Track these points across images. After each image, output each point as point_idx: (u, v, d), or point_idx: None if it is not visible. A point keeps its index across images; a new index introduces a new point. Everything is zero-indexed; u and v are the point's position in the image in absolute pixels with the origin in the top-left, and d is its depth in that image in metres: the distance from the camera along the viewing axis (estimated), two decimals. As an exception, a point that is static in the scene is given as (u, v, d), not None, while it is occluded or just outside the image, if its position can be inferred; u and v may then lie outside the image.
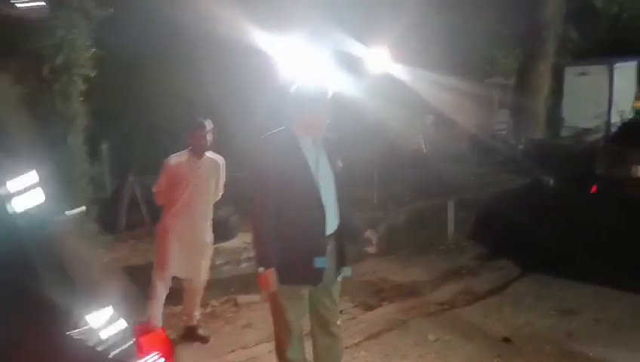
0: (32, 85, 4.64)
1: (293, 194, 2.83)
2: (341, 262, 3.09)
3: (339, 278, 3.13)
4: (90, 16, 4.59)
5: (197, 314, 4.32)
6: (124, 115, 6.27)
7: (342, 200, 3.09)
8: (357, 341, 4.30)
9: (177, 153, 4.04)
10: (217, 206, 4.30)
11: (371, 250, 3.16)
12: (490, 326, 4.55)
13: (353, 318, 4.80)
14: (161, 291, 4.12)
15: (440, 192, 7.71)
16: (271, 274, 2.82)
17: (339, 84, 6.58)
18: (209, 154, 4.09)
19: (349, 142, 7.42)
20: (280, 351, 3.08)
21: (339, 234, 3.05)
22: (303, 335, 3.09)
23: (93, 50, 4.71)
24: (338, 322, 3.19)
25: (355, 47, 7.04)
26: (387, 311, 5.00)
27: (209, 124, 3.99)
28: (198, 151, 4.00)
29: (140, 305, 4.69)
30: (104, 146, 6.33)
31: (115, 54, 5.94)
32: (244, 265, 5.55)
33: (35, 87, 4.57)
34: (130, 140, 6.36)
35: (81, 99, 4.71)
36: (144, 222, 5.63)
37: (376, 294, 5.49)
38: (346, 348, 3.84)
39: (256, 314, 4.72)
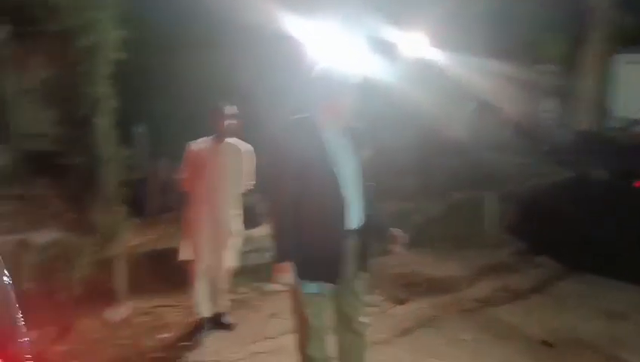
0: (59, 66, 4.62)
1: (312, 186, 2.66)
2: (365, 259, 2.90)
3: (363, 276, 2.95)
4: (118, -3, 4.51)
5: (223, 301, 4.24)
6: (160, 98, 6.20)
7: (369, 195, 2.89)
8: (385, 336, 4.13)
9: (200, 139, 3.94)
10: (246, 194, 4.18)
11: (397, 249, 2.94)
12: (528, 327, 4.28)
13: (382, 312, 4.63)
14: (199, 282, 4.06)
15: (479, 183, 7.38)
16: (286, 268, 2.68)
17: (373, 69, 6.44)
18: (232, 140, 3.95)
19: (384, 129, 7.22)
20: (301, 346, 2.93)
21: (364, 229, 2.85)
22: (326, 331, 2.91)
23: (122, 31, 4.62)
24: (362, 318, 3.00)
25: (390, 32, 6.75)
26: (419, 306, 4.79)
27: (231, 110, 3.87)
28: (218, 137, 3.89)
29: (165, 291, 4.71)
30: (138, 129, 6.32)
31: (150, 37, 5.89)
32: (270, 253, 5.43)
33: (62, 69, 4.54)
34: (166, 124, 6.31)
35: (107, 81, 4.64)
36: (174, 207, 5.58)
37: (407, 288, 5.29)
38: (374, 343, 3.68)
39: (283, 303, 4.55)
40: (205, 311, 4.16)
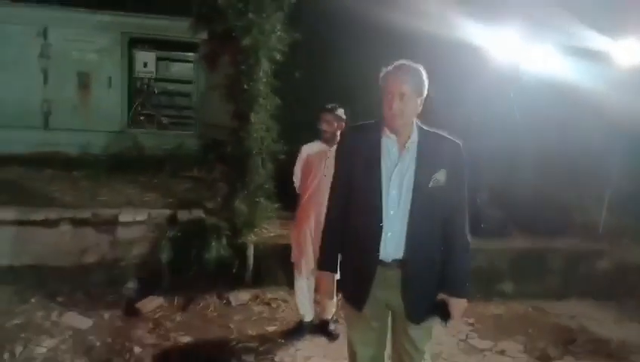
0: (228, 65, 5.08)
1: (355, 199, 2.39)
2: (411, 303, 2.41)
3: (425, 324, 2.48)
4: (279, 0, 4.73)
5: (330, 309, 4.12)
6: (315, 98, 6.38)
7: (448, 234, 2.42)
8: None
9: (313, 142, 3.90)
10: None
11: (443, 318, 2.44)
12: None
13: (514, 366, 3.92)
14: (301, 284, 4.04)
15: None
16: (327, 279, 2.53)
17: (570, 78, 5.52)
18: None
19: (584, 147, 6.11)
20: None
21: (410, 265, 2.36)
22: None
23: (281, 34, 4.85)
24: None
25: (595, 39, 5.67)
26: (567, 371, 3.93)
27: (341, 112, 3.74)
28: (329, 140, 3.78)
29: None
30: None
31: (311, 40, 6.11)
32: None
33: (232, 67, 4.97)
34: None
35: (264, 80, 4.91)
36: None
37: (562, 344, 4.41)
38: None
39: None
40: (307, 314, 4.09)
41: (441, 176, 2.31)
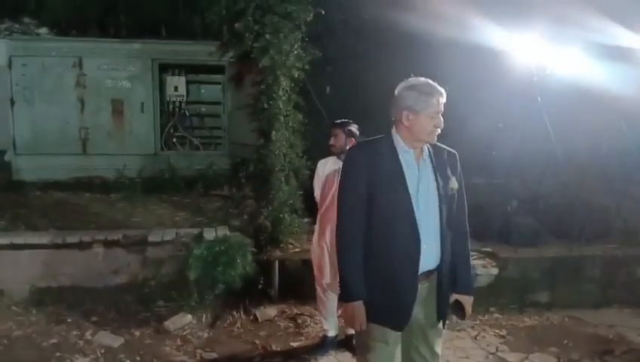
0: (249, 84, 5.21)
1: (384, 219, 2.32)
2: (442, 307, 2.47)
3: (440, 326, 2.51)
4: (295, 19, 4.83)
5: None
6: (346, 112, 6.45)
7: (459, 235, 2.48)
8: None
9: (328, 157, 3.95)
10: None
11: (459, 316, 2.46)
12: None
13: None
14: (322, 298, 4.07)
15: None
16: (358, 309, 2.34)
17: (596, 78, 5.35)
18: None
19: (619, 150, 5.88)
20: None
21: (442, 272, 2.43)
22: None
23: (298, 52, 4.95)
24: None
25: (624, 37, 5.47)
26: (603, 382, 3.77)
27: (355, 128, 3.77)
28: (338, 155, 3.81)
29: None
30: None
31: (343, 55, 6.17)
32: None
33: (253, 87, 5.11)
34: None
35: (284, 98, 5.01)
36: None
37: (599, 354, 4.23)
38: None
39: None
40: (331, 329, 4.10)
41: (454, 184, 2.42)
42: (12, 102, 7.06)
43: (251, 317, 4.63)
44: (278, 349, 4.15)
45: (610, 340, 4.48)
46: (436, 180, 2.37)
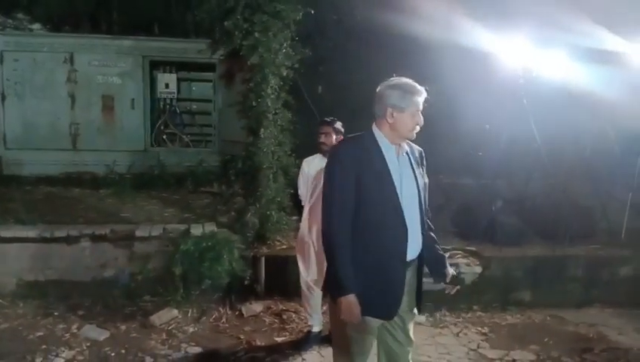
0: (238, 82, 5.26)
1: (371, 212, 2.38)
2: (419, 293, 2.58)
3: (415, 311, 2.62)
4: (284, 18, 4.87)
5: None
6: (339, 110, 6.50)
7: (425, 224, 2.58)
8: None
9: (313, 155, 3.99)
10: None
11: (450, 289, 2.57)
12: None
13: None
14: (307, 294, 4.15)
15: None
16: (353, 302, 2.38)
17: (582, 80, 5.43)
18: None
19: (603, 151, 5.96)
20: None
21: (421, 261, 2.56)
22: None
23: (287, 50, 5.00)
24: (410, 360, 2.64)
25: (610, 41, 5.55)
26: (581, 380, 3.85)
27: (333, 126, 3.83)
28: (326, 153, 3.85)
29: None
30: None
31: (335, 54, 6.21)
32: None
33: (242, 85, 5.15)
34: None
35: (272, 96, 5.06)
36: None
37: (579, 352, 4.32)
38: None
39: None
40: (316, 324, 4.16)
41: (425, 177, 2.57)
42: (3, 97, 7.07)
43: (237, 313, 4.67)
44: (263, 344, 4.20)
45: (590, 338, 4.56)
46: (414, 174, 2.48)
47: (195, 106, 7.80)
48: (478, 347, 4.32)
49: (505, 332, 4.64)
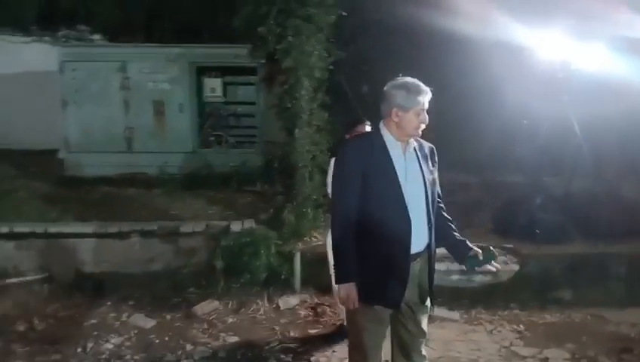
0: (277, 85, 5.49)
1: (376, 206, 2.53)
2: (431, 286, 2.70)
3: (428, 304, 2.73)
4: (317, 22, 5.04)
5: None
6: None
7: (441, 216, 2.72)
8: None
9: None
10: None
11: (492, 267, 2.65)
12: None
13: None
14: (336, 289, 4.26)
15: None
16: (351, 290, 2.55)
17: (627, 75, 5.28)
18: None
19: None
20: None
21: (430, 254, 2.66)
22: (381, 352, 2.74)
23: (320, 53, 5.17)
24: (423, 352, 2.74)
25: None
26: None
27: (368, 124, 3.93)
28: None
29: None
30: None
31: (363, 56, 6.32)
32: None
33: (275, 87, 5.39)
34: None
35: (306, 97, 5.24)
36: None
37: (616, 352, 4.24)
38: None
39: (434, 331, 4.30)
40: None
41: (435, 172, 2.68)
42: (64, 104, 7.64)
43: (274, 306, 4.89)
44: (296, 336, 4.39)
45: (631, 339, 4.44)
46: (421, 170, 2.58)
47: (240, 109, 8.10)
48: (510, 344, 4.31)
49: (541, 330, 4.59)
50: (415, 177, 2.56)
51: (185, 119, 7.72)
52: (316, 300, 4.99)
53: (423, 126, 2.55)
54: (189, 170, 7.51)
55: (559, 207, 5.84)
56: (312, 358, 4.02)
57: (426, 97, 2.53)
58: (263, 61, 6.09)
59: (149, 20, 9.61)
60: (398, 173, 2.52)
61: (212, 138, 7.99)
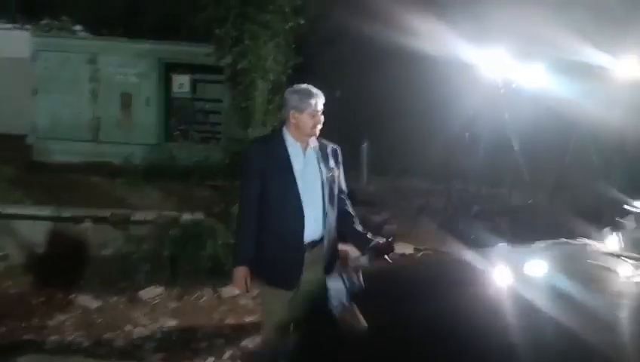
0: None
1: (274, 200, 2.83)
2: (328, 273, 2.93)
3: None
4: (273, 28, 5.33)
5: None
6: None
7: (344, 211, 2.99)
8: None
9: None
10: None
11: (386, 258, 2.87)
12: None
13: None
14: None
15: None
16: (244, 272, 2.85)
17: (561, 93, 5.65)
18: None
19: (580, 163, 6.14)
20: (263, 334, 3.10)
21: (329, 243, 2.93)
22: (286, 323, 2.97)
23: (275, 57, 5.46)
24: None
25: (593, 55, 5.72)
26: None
27: None
28: None
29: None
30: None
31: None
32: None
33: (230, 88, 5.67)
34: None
35: (260, 99, 5.53)
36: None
37: None
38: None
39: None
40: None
41: (336, 170, 2.95)
42: (34, 92, 7.85)
43: (216, 294, 5.16)
44: (232, 322, 4.68)
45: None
46: (319, 168, 2.86)
47: (206, 106, 8.38)
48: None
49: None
50: (312, 174, 2.84)
51: (151, 113, 7.98)
52: (257, 291, 5.27)
53: (319, 126, 2.84)
54: (153, 162, 7.76)
55: (496, 215, 6.21)
56: (242, 343, 4.30)
57: (318, 100, 2.82)
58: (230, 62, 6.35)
59: (128, 15, 9.84)
60: (295, 171, 2.81)
61: (177, 132, 8.25)
